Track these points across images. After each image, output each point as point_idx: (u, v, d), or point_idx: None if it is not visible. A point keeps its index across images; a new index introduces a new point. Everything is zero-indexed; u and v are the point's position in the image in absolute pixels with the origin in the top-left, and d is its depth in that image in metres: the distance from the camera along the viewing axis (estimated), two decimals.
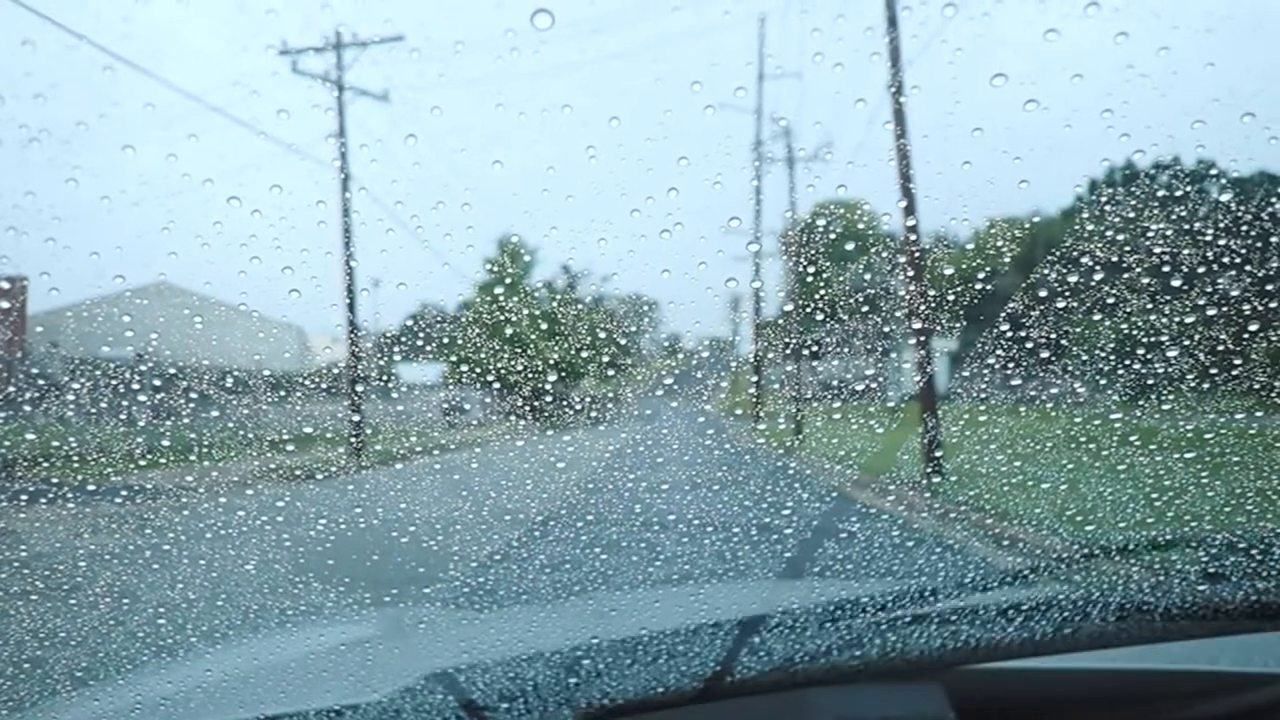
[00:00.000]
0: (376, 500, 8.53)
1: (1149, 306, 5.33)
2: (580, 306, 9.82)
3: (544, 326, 9.37)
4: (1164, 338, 5.07)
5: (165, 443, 7.51)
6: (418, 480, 9.78)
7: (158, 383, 5.79)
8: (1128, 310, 5.64)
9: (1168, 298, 4.98)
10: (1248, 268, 4.97)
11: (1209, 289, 4.93)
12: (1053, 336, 5.51)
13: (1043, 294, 5.26)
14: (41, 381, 7.92)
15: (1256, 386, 5.28)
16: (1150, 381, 5.41)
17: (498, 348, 8.46)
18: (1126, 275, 5.55)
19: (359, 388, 11.25)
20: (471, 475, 10.71)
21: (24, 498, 5.95)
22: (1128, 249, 5.57)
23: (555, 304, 10.86)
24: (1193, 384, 5.41)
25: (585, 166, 4.76)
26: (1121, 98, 4.28)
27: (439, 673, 1.11)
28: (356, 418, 12.13)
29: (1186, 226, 5.22)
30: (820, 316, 8.24)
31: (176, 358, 6.62)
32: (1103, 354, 6.00)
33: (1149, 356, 5.22)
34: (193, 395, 6.59)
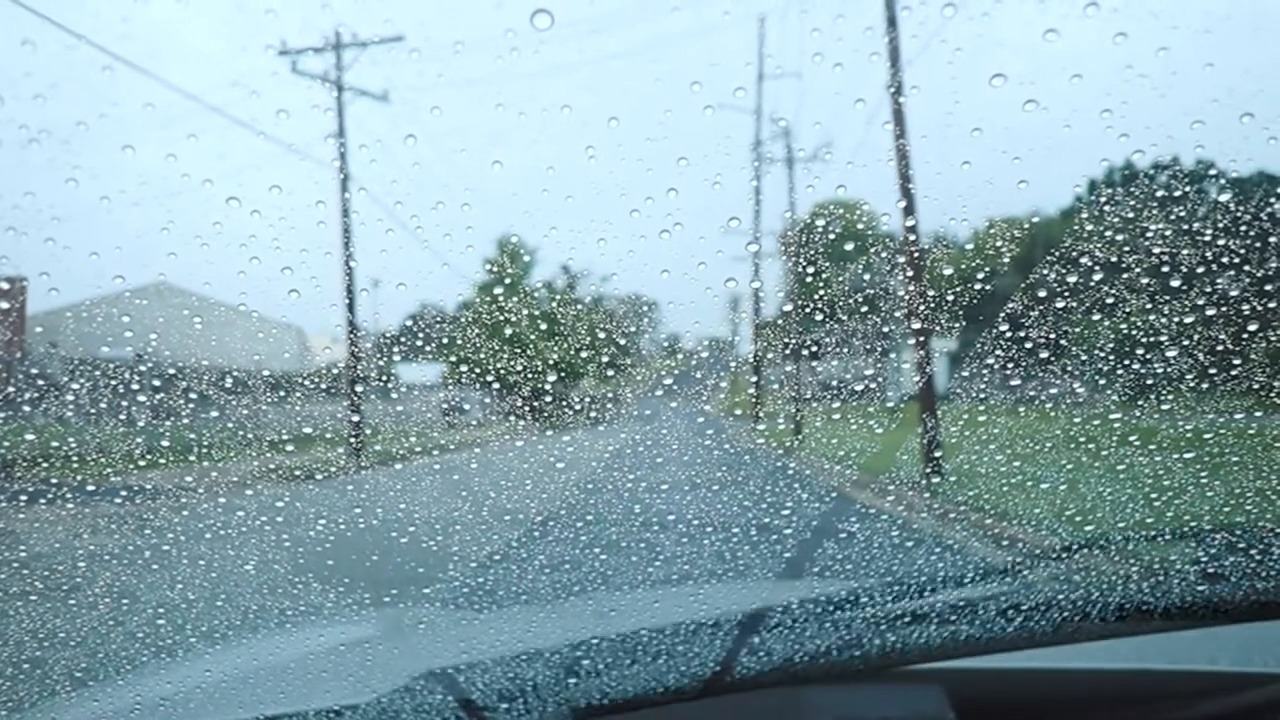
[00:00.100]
0: (376, 500, 8.53)
1: (1148, 306, 5.34)
2: (580, 307, 9.82)
3: (543, 327, 9.37)
4: (1163, 338, 5.07)
5: (165, 443, 7.51)
6: (417, 480, 9.77)
7: (157, 383, 5.79)
8: (1127, 310, 5.64)
9: (1167, 298, 4.98)
10: (1247, 268, 4.98)
11: (1208, 289, 4.93)
12: (1052, 337, 5.52)
13: (1042, 294, 5.26)
14: (41, 382, 7.92)
15: (1256, 386, 5.28)
16: (1149, 381, 5.42)
17: (497, 348, 8.46)
18: (1126, 275, 5.55)
19: (358, 388, 11.25)
20: (471, 475, 10.70)
21: (23, 498, 5.94)
22: (1127, 249, 5.57)
23: (555, 304, 10.86)
24: (1192, 384, 5.41)
25: (585, 167, 4.77)
26: (1121, 98, 4.29)
27: (438, 672, 1.11)
28: (356, 418, 12.13)
29: (1186, 227, 5.22)
30: (820, 317, 8.24)
31: (176, 358, 6.62)
32: (1102, 354, 6.00)
33: (1148, 356, 5.22)
34: (192, 395, 6.59)
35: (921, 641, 1.12)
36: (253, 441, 8.10)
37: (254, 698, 1.56)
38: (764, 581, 4.44)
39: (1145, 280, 5.46)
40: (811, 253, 7.69)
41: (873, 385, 11.98)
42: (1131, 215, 5.56)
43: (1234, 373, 5.21)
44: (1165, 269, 5.07)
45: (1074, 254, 5.47)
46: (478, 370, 9.57)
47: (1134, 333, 5.42)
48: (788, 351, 12.89)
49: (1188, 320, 4.83)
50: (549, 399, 8.76)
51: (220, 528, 5.93)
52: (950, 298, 6.59)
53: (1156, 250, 5.33)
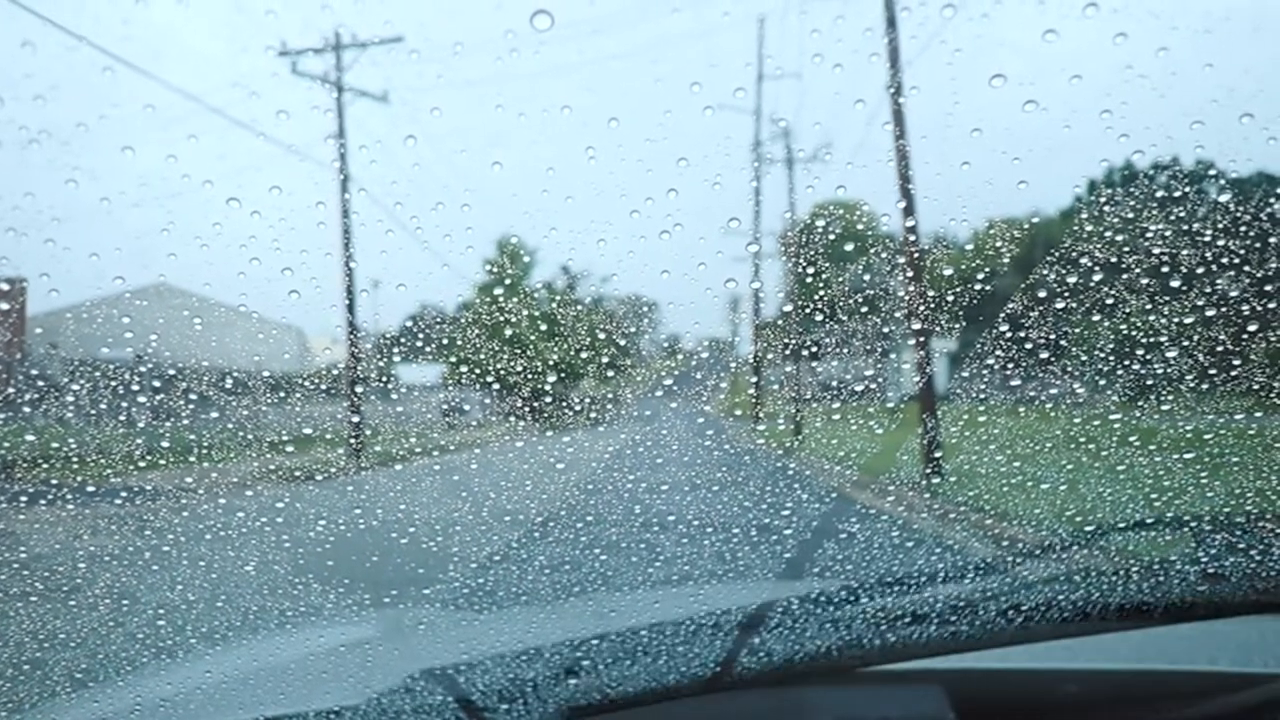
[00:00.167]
0: (376, 501, 8.53)
1: (1148, 307, 5.34)
2: (580, 307, 9.82)
3: (543, 327, 9.37)
4: (1163, 338, 5.08)
5: (165, 444, 7.51)
6: (417, 481, 9.77)
7: (157, 384, 5.79)
8: (1127, 311, 5.64)
9: (1167, 298, 4.98)
10: (1246, 268, 4.98)
11: (1208, 289, 4.93)
12: (1052, 337, 5.52)
13: (1042, 294, 5.26)
14: (41, 383, 7.91)
15: (1256, 387, 5.28)
16: (1149, 382, 5.42)
17: (497, 349, 8.46)
18: (1126, 276, 5.55)
19: (358, 389, 11.24)
20: (471, 476, 10.70)
21: (24, 499, 5.94)
22: (1127, 249, 5.57)
23: (555, 305, 10.86)
24: (1192, 384, 5.41)
25: (585, 167, 4.77)
26: (1120, 98, 4.29)
27: (437, 673, 1.11)
28: (356, 419, 12.13)
29: (1185, 227, 5.22)
30: (820, 317, 8.24)
31: (176, 359, 6.62)
32: (1102, 354, 6.00)
33: (1148, 357, 5.22)
34: (192, 396, 6.59)
35: (921, 641, 1.12)
36: (253, 442, 8.09)
37: (254, 699, 1.56)
38: (764, 582, 4.44)
39: (1145, 281, 5.46)
40: (811, 253, 7.69)
41: (873, 386, 11.98)
42: (1131, 216, 5.56)
43: (1234, 373, 5.21)
44: (1165, 269, 5.07)
45: (1074, 254, 5.47)
46: (478, 371, 9.57)
47: (1134, 333, 5.42)
48: (788, 352, 12.89)
49: (1188, 321, 4.83)
50: (549, 400, 8.76)
51: (220, 529, 5.93)
52: (950, 298, 6.59)
53: (1156, 251, 5.33)
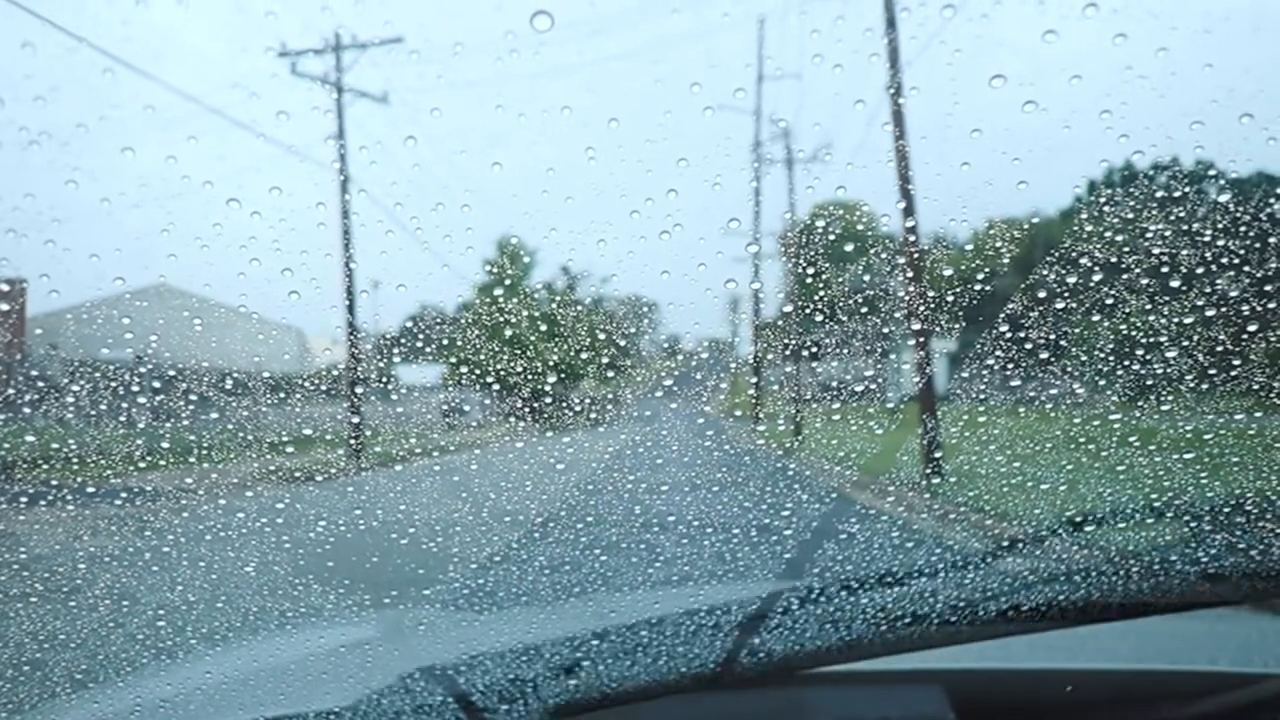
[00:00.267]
0: (376, 502, 8.52)
1: (1148, 307, 5.34)
2: (580, 308, 9.82)
3: (543, 328, 9.37)
4: (1163, 338, 5.07)
5: (165, 445, 7.51)
6: (417, 482, 9.77)
7: (157, 385, 5.78)
8: (1127, 311, 5.64)
9: (1167, 298, 4.98)
10: (1246, 268, 4.98)
11: (1208, 290, 4.93)
12: (1052, 337, 5.52)
13: (1042, 295, 5.26)
14: (41, 384, 7.91)
15: (1256, 387, 5.28)
16: (1149, 382, 5.42)
17: (497, 349, 8.45)
18: (1125, 276, 5.55)
19: (358, 389, 11.24)
20: (471, 477, 10.70)
21: (23, 500, 5.94)
22: (1127, 250, 5.57)
23: (555, 305, 10.86)
24: (1192, 384, 5.41)
25: (585, 168, 4.76)
26: (1120, 99, 4.28)
27: (437, 672, 1.11)
28: (356, 419, 12.12)
29: (1185, 227, 5.22)
30: (819, 318, 8.24)
31: (176, 360, 6.62)
32: (1102, 355, 6.00)
33: (1148, 357, 5.22)
34: (192, 397, 6.59)
35: (921, 641, 1.12)
36: (253, 443, 8.09)
37: (254, 699, 1.56)
38: (764, 582, 4.44)
39: (1145, 281, 5.46)
40: (811, 254, 7.69)
41: (873, 386, 11.98)
42: (1131, 216, 5.56)
43: (1234, 373, 5.21)
44: (1165, 270, 5.07)
45: (1074, 255, 5.47)
46: (478, 372, 9.57)
47: (1134, 333, 5.42)
48: (788, 352, 12.88)
49: (1187, 321, 4.83)
50: (549, 400, 8.76)
51: (220, 529, 5.92)
52: (950, 298, 6.58)
53: (1156, 251, 5.33)
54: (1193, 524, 1.31)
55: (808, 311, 8.32)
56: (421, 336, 10.61)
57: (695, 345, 12.81)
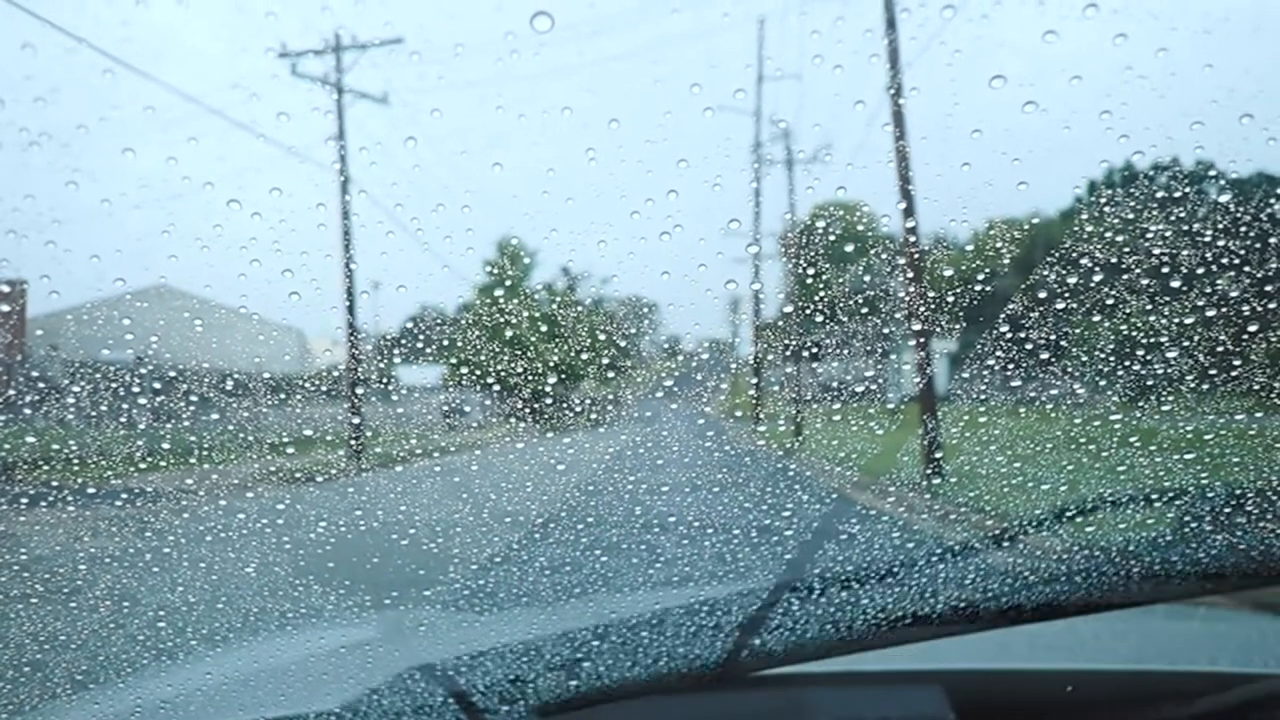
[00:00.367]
0: (376, 503, 8.53)
1: (1148, 308, 5.34)
2: (580, 309, 9.81)
3: (544, 329, 9.37)
4: (1163, 339, 5.07)
5: (165, 446, 7.51)
6: (418, 483, 9.77)
7: (158, 386, 5.79)
8: (1127, 311, 5.64)
9: (1167, 299, 4.98)
10: (1247, 268, 4.98)
11: (1208, 290, 4.93)
12: (1052, 338, 5.52)
13: (1042, 295, 5.26)
14: (41, 385, 7.91)
15: (1256, 387, 5.28)
16: (1150, 382, 5.42)
17: (498, 350, 8.45)
18: (1126, 276, 5.55)
19: (359, 390, 11.24)
20: (471, 478, 10.70)
21: (24, 501, 5.94)
22: (1127, 250, 5.57)
23: (555, 306, 10.85)
24: (1192, 385, 5.41)
25: (585, 169, 4.76)
26: (1120, 99, 4.29)
27: (437, 673, 1.11)
28: (356, 420, 12.12)
29: (1185, 228, 5.22)
30: (820, 318, 8.24)
31: (176, 360, 6.62)
32: (1102, 355, 6.00)
33: (1148, 357, 5.22)
34: (193, 398, 6.59)
35: (921, 641, 1.12)
36: (253, 444, 8.09)
37: (254, 700, 1.56)
38: (764, 583, 4.43)
39: (1145, 281, 5.46)
40: (811, 254, 7.69)
41: (873, 386, 11.98)
42: (1131, 216, 5.56)
43: (1234, 374, 5.21)
44: (1165, 270, 5.07)
45: (1074, 255, 5.47)
46: (478, 372, 9.57)
47: (1134, 334, 5.42)
48: (788, 353, 12.88)
49: (1188, 321, 4.83)
50: (549, 401, 8.76)
51: (221, 530, 5.92)
52: (950, 299, 6.58)
53: (1156, 251, 5.33)
54: (1193, 524, 1.31)
55: (808, 312, 8.32)
56: (422, 337, 10.60)
57: (695, 346, 12.81)
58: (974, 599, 1.15)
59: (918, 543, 5.84)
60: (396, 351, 11.35)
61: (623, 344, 11.00)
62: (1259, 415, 5.49)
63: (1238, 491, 1.32)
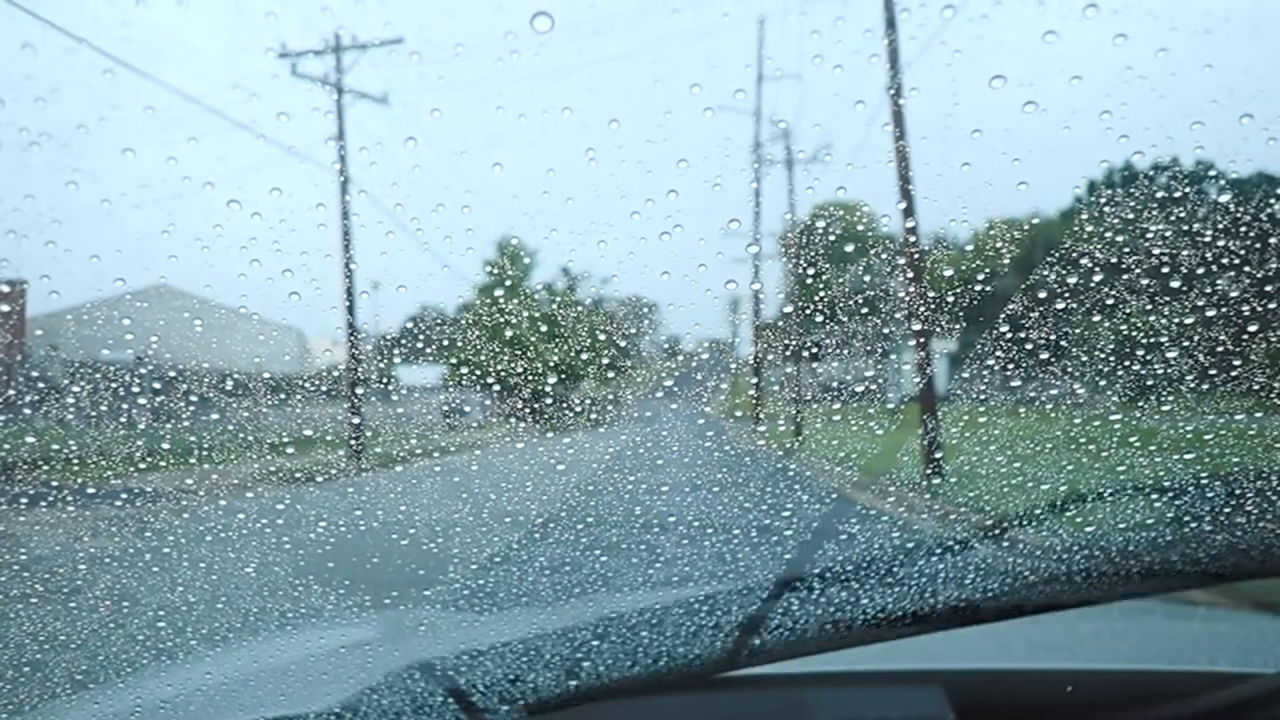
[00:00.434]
0: (376, 503, 8.53)
1: (1148, 308, 5.34)
2: (580, 309, 9.81)
3: (544, 329, 9.37)
4: (1163, 339, 5.07)
5: (165, 446, 7.51)
6: (418, 483, 9.77)
7: (158, 385, 5.79)
8: (1127, 311, 5.64)
9: (1167, 299, 4.98)
10: (1247, 268, 4.98)
11: (1208, 290, 4.93)
12: (1052, 338, 5.52)
13: (1042, 295, 5.26)
14: (41, 384, 7.91)
15: (1256, 387, 5.28)
16: (1150, 382, 5.41)
17: (497, 350, 8.45)
18: (1126, 276, 5.55)
19: (359, 390, 11.24)
20: (471, 477, 10.70)
21: (24, 501, 5.94)
22: (1127, 250, 5.57)
23: (555, 306, 10.85)
24: (1192, 385, 5.40)
25: (585, 169, 4.77)
26: (1120, 99, 4.29)
27: (437, 672, 1.11)
28: (356, 420, 12.12)
29: (1185, 227, 5.22)
30: (820, 318, 8.24)
31: (176, 360, 6.62)
32: (1102, 355, 6.00)
33: (1148, 357, 5.22)
34: (193, 398, 6.59)
35: (921, 641, 1.12)
36: (253, 444, 8.09)
37: (254, 700, 1.56)
38: (764, 583, 4.44)
39: (1145, 281, 5.46)
40: (811, 254, 7.69)
41: (873, 386, 11.98)
42: (1131, 216, 5.56)
43: (1234, 373, 5.21)
44: (1165, 270, 5.07)
45: (1074, 255, 5.47)
46: (478, 372, 9.56)
47: (1134, 334, 5.42)
48: (788, 353, 12.88)
49: (1188, 321, 4.83)
50: (549, 401, 8.76)
51: (221, 530, 5.92)
52: (950, 299, 6.58)
53: (1156, 251, 5.33)
54: (1193, 524, 1.31)
55: (808, 312, 8.32)
56: (422, 337, 10.60)
57: (695, 346, 12.81)
58: (973, 598, 1.15)
59: (917, 543, 5.84)
60: (396, 351, 11.35)
61: (623, 344, 11.00)
62: (1259, 415, 5.48)
63: (1237, 491, 1.32)
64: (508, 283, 10.82)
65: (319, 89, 16.09)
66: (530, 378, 7.97)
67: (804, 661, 1.11)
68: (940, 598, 1.16)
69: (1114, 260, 5.54)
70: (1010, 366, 5.51)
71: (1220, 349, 5.17)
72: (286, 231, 4.90)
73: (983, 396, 7.91)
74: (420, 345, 10.78)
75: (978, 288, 6.14)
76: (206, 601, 4.36)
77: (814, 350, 10.79)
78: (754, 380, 14.79)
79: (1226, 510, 1.34)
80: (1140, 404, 6.10)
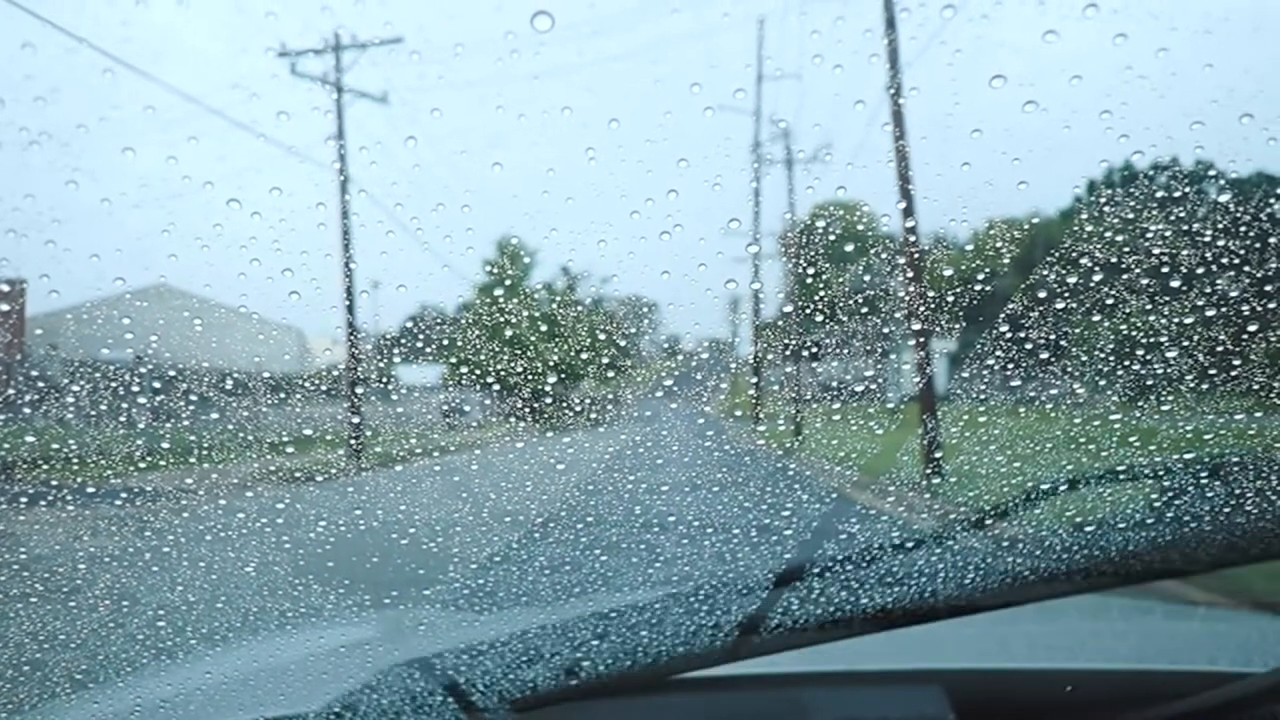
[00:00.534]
0: (376, 502, 8.53)
1: (1148, 307, 5.34)
2: (580, 308, 9.81)
3: (544, 328, 9.36)
4: (1163, 338, 5.07)
5: (165, 445, 7.51)
6: (417, 482, 9.77)
7: (157, 385, 5.78)
8: (1127, 311, 5.64)
9: (1167, 298, 4.98)
10: (1247, 268, 4.98)
11: (1208, 290, 4.93)
12: (1052, 337, 5.52)
13: (1042, 295, 5.26)
14: (41, 384, 7.91)
15: (1256, 387, 5.28)
16: (1150, 382, 5.41)
17: (497, 350, 8.45)
18: (1125, 276, 5.55)
19: (358, 390, 11.24)
20: (471, 477, 10.70)
21: (23, 500, 5.94)
22: (1127, 250, 5.57)
23: (555, 306, 10.85)
24: (1192, 385, 5.41)
25: (585, 168, 4.77)
26: (1120, 99, 4.29)
27: (436, 672, 1.11)
28: (356, 420, 12.12)
29: (1185, 227, 5.22)
30: (820, 318, 8.23)
31: (176, 360, 6.62)
32: (1102, 355, 6.00)
33: (1148, 357, 5.22)
34: (192, 397, 6.59)
35: (921, 641, 1.13)
36: (253, 443, 8.09)
37: (254, 699, 1.56)
38: (764, 583, 4.44)
39: (1145, 281, 5.46)
40: (811, 254, 7.69)
41: (873, 386, 11.97)
42: (1131, 216, 5.56)
43: (1234, 373, 5.21)
44: (1165, 270, 5.07)
45: (1074, 255, 5.47)
46: (478, 372, 9.56)
47: (1134, 333, 5.42)
48: (788, 352, 12.88)
49: (1188, 321, 4.83)
50: (549, 400, 8.76)
51: (220, 530, 5.92)
52: (950, 299, 6.58)
53: (1156, 251, 5.33)
54: (1193, 525, 1.31)
55: (808, 312, 8.32)
56: (422, 337, 10.60)
57: (695, 345, 12.80)
58: (974, 599, 1.15)
59: (917, 541, 5.84)
60: (396, 351, 11.35)
61: (623, 344, 11.00)
62: (1259, 415, 5.49)
63: (1237, 491, 1.32)
64: (508, 282, 10.82)
65: (319, 88, 16.10)
66: (530, 377, 7.97)
67: (804, 661, 1.11)
68: (940, 596, 1.16)
69: (1114, 260, 5.54)
70: (1010, 366, 5.51)
71: (1220, 349, 5.17)
72: (286, 231, 4.90)
73: (982, 396, 7.91)
74: (420, 345, 10.78)
75: (978, 287, 6.14)
76: (206, 601, 4.36)
77: (814, 350, 10.79)
78: (754, 380, 14.79)
79: (1226, 510, 1.34)
80: (1140, 404, 6.11)
